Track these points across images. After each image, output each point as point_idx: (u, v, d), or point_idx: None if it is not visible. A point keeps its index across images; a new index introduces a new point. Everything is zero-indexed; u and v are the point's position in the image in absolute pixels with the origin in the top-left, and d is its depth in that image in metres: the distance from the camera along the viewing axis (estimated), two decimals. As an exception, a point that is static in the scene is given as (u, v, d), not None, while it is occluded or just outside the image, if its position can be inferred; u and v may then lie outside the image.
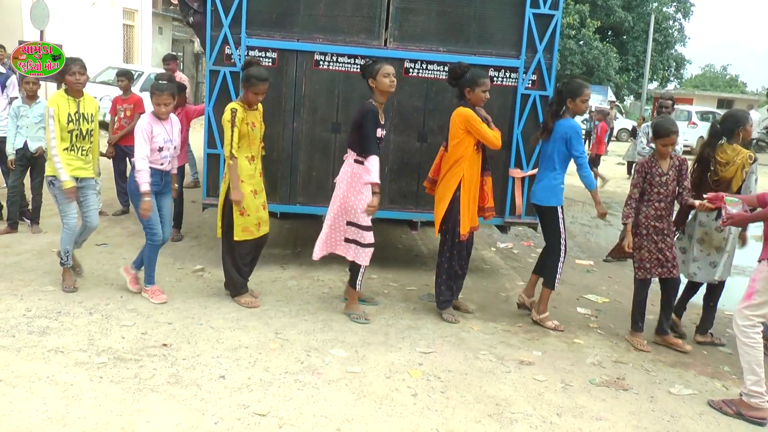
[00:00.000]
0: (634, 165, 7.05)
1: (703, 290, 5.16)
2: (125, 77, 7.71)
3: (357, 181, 4.74)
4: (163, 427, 3.25)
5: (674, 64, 41.14)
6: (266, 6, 5.63)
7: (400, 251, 7.15)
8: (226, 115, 4.72)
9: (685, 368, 4.55)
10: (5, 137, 6.53)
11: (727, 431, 3.73)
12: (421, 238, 7.70)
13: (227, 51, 5.64)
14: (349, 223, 4.82)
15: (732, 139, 4.82)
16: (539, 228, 5.29)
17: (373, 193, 4.72)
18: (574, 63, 34.72)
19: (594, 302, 5.87)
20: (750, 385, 3.83)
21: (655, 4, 38.11)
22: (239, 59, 5.57)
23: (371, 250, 4.85)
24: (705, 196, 4.37)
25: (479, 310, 5.35)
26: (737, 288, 4.95)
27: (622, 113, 33.92)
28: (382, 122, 4.81)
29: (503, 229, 6.41)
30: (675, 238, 5.01)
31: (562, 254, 5.00)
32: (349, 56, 5.65)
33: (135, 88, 9.72)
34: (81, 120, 4.95)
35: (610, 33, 38.08)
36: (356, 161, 4.75)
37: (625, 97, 41.58)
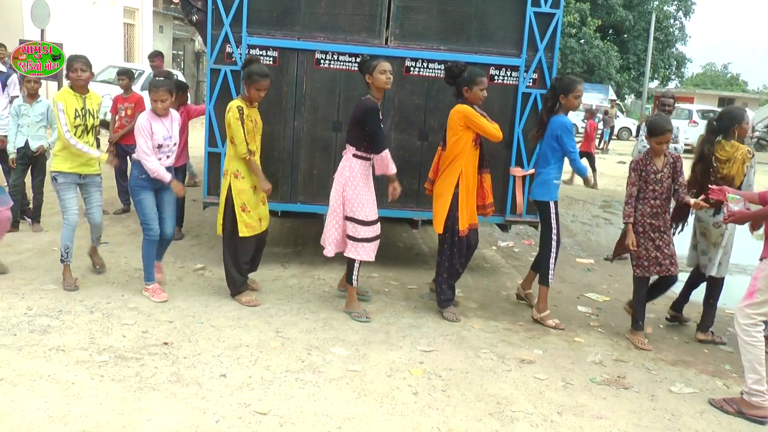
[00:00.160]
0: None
1: (703, 288, 5.16)
2: (126, 76, 7.70)
3: (355, 176, 4.77)
4: (164, 426, 3.25)
5: (675, 62, 41.14)
6: (267, 4, 5.63)
7: (401, 250, 7.16)
8: (234, 114, 4.72)
9: (686, 367, 4.55)
10: (6, 136, 6.53)
11: (728, 430, 3.73)
12: (422, 236, 7.70)
13: (228, 49, 5.64)
14: (347, 218, 4.84)
15: (728, 137, 4.86)
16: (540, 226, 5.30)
17: (393, 180, 4.92)
18: (575, 62, 34.71)
19: (595, 301, 5.87)
20: (751, 383, 3.83)
21: (656, 3, 38.10)
22: (240, 58, 5.56)
23: (371, 244, 4.85)
24: (710, 187, 4.39)
25: (480, 309, 5.35)
26: (739, 286, 4.96)
27: (623, 112, 33.91)
28: (381, 118, 4.82)
29: (504, 227, 6.42)
30: (678, 232, 5.05)
31: (554, 250, 5.04)
32: (350, 55, 5.64)
33: (136, 87, 9.70)
34: (87, 115, 5.07)
35: (611, 31, 38.07)
36: (355, 156, 4.78)
37: (626, 96, 41.58)
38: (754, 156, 4.89)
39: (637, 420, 3.72)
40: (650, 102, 31.93)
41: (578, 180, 13.70)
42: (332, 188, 4.91)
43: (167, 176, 4.88)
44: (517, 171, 5.65)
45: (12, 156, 6.42)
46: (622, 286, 6.37)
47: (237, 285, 5.04)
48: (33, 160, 6.58)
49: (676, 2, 39.83)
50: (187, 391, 3.60)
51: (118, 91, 8.13)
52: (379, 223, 4.93)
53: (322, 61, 5.71)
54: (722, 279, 5.03)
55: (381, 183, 5.46)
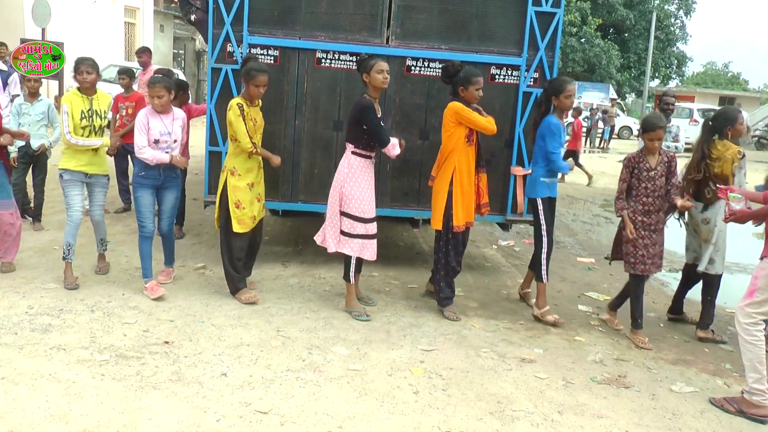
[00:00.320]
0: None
1: (701, 287, 5.18)
2: (127, 75, 7.70)
3: (354, 172, 4.80)
4: (165, 425, 3.25)
5: (676, 61, 41.11)
6: (268, 4, 5.63)
7: (402, 249, 7.16)
8: (235, 111, 4.76)
9: (686, 366, 4.55)
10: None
11: (729, 429, 3.73)
12: (423, 235, 7.70)
13: (229, 48, 5.64)
14: (342, 214, 4.84)
15: (722, 137, 4.93)
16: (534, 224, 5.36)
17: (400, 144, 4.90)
18: (576, 61, 34.70)
19: (595, 300, 5.87)
20: (752, 382, 3.83)
21: (657, 2, 38.08)
22: (241, 57, 5.57)
23: (366, 242, 4.85)
24: (719, 187, 4.44)
25: (481, 308, 5.36)
26: (739, 285, 4.96)
27: (623, 111, 33.90)
28: (380, 116, 4.85)
29: (504, 226, 6.42)
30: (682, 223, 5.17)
31: (544, 246, 5.08)
32: (351, 54, 5.64)
33: (137, 86, 9.69)
34: (94, 116, 5.13)
35: (611, 30, 38.05)
36: (353, 153, 4.81)
37: (627, 95, 41.55)
38: (745, 157, 4.93)
39: (638, 419, 3.72)
40: (651, 101, 31.90)
41: (577, 180, 13.69)
42: (332, 186, 4.92)
43: (165, 157, 4.94)
44: (517, 170, 5.65)
45: (13, 155, 6.42)
46: (622, 285, 6.35)
47: (235, 282, 5.06)
48: (34, 159, 6.59)
49: (676, 1, 39.81)
50: (188, 390, 3.61)
51: (119, 89, 8.14)
52: (375, 222, 4.92)
53: (323, 61, 5.70)
54: (718, 276, 5.04)
55: (382, 183, 5.47)
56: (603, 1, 35.80)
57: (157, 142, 4.94)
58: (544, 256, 5.09)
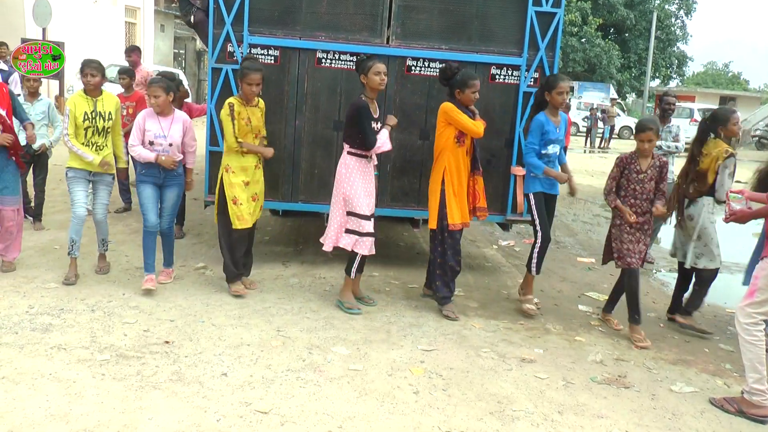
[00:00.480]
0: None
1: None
2: (127, 75, 7.70)
3: (351, 172, 4.84)
4: (165, 424, 3.25)
5: (676, 61, 41.13)
6: (268, 4, 5.63)
7: (402, 249, 7.16)
8: (225, 110, 4.87)
9: (686, 366, 4.55)
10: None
11: (729, 429, 3.73)
12: (423, 235, 7.69)
13: (230, 48, 5.64)
14: (349, 213, 4.87)
15: (717, 136, 5.06)
16: None
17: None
18: (576, 60, 34.72)
19: (596, 300, 5.87)
20: (752, 382, 3.83)
21: (658, 2, 38.08)
22: (241, 57, 5.57)
23: (370, 239, 4.90)
24: (732, 190, 4.50)
25: (481, 308, 5.36)
26: (739, 285, 4.96)
27: (624, 111, 33.91)
28: (376, 116, 4.88)
29: (505, 226, 6.43)
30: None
31: (537, 240, 5.17)
32: (352, 54, 5.64)
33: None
34: (97, 118, 5.19)
35: (612, 30, 38.06)
36: (349, 153, 4.85)
37: (627, 95, 41.55)
38: (733, 157, 4.98)
39: (638, 419, 3.72)
40: (651, 101, 31.90)
41: (577, 180, 13.69)
42: (333, 188, 4.95)
43: (150, 155, 4.97)
44: (518, 170, 5.65)
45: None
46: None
47: (229, 271, 5.16)
48: (35, 158, 6.59)
49: (677, 1, 39.82)
50: (188, 389, 3.61)
51: (119, 89, 8.13)
52: (373, 220, 4.95)
53: (323, 61, 5.71)
54: (711, 271, 5.10)
55: (382, 183, 5.47)
56: (603, 1, 35.82)
57: (152, 143, 5.00)
58: (536, 249, 5.17)
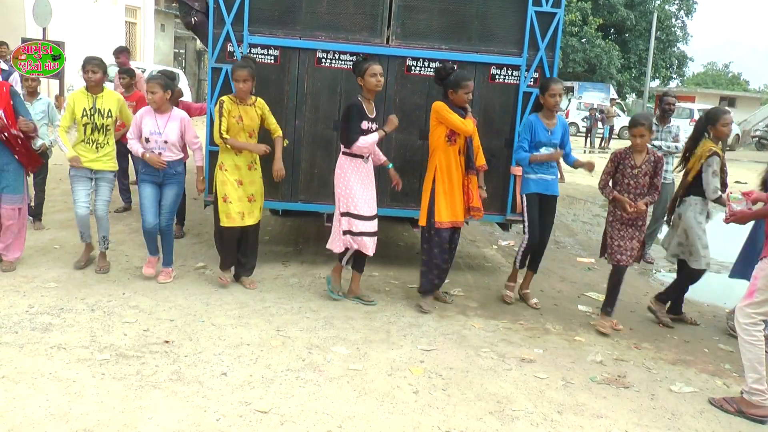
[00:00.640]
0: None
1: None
2: (127, 75, 7.70)
3: (346, 172, 4.90)
4: (165, 424, 3.26)
5: (676, 62, 41.14)
6: (268, 3, 5.63)
7: (402, 249, 7.16)
8: (216, 107, 4.96)
9: (686, 366, 4.56)
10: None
11: (728, 429, 3.73)
12: (423, 235, 7.70)
13: (230, 48, 5.65)
14: (344, 214, 4.91)
15: (710, 136, 5.18)
16: None
17: (391, 172, 5.21)
18: (576, 61, 34.72)
19: (595, 300, 5.87)
20: (751, 382, 3.83)
21: (658, 2, 38.10)
22: (241, 56, 5.57)
23: (370, 239, 4.92)
24: (741, 192, 4.53)
25: (481, 308, 5.36)
26: (739, 286, 4.96)
27: (624, 111, 33.93)
28: (372, 116, 4.92)
29: (504, 226, 6.43)
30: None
31: (523, 237, 5.34)
32: (352, 54, 5.64)
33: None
34: (96, 114, 5.23)
35: (612, 31, 38.07)
36: (344, 153, 4.93)
37: (627, 95, 41.56)
38: (717, 156, 5.02)
39: (637, 419, 3.72)
40: (651, 101, 31.90)
41: (577, 180, 13.69)
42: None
43: (140, 149, 5.09)
44: (517, 170, 5.68)
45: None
46: (623, 285, 6.35)
47: (222, 261, 5.30)
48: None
49: (677, 1, 39.84)
50: (188, 389, 3.61)
51: (119, 89, 8.13)
52: (376, 220, 4.99)
53: (323, 60, 5.71)
54: (695, 271, 5.18)
55: (382, 183, 5.47)
56: (604, 1, 35.82)
57: (147, 140, 5.07)
58: (521, 248, 5.35)
